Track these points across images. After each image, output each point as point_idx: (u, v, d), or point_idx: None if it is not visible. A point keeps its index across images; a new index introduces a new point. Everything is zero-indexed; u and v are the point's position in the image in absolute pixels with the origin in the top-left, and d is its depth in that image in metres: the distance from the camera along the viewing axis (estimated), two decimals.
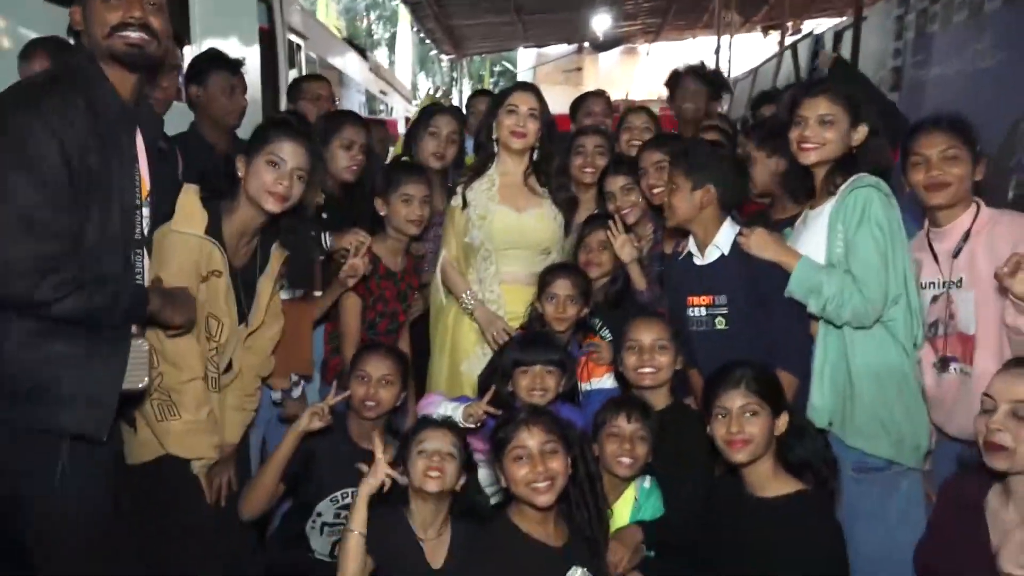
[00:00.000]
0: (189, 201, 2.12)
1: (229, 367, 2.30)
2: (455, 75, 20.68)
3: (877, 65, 8.99)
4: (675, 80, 3.87)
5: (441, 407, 2.44)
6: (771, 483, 2.06)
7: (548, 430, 2.03)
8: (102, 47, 1.80)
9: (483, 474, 2.32)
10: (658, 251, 2.85)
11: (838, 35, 10.14)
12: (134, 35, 1.79)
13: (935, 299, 2.24)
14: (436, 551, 2.10)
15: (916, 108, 7.97)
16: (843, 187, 2.23)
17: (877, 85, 8.92)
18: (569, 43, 20.96)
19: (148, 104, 2.13)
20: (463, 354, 2.90)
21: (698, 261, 2.53)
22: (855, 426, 2.26)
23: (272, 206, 2.17)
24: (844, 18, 10.28)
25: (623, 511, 2.31)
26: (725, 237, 2.46)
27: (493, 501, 2.29)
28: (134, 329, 1.88)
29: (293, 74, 7.84)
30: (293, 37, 7.91)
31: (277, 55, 7.47)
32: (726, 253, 2.45)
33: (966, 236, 2.18)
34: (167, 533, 2.18)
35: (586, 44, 20.57)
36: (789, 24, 17.12)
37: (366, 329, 2.82)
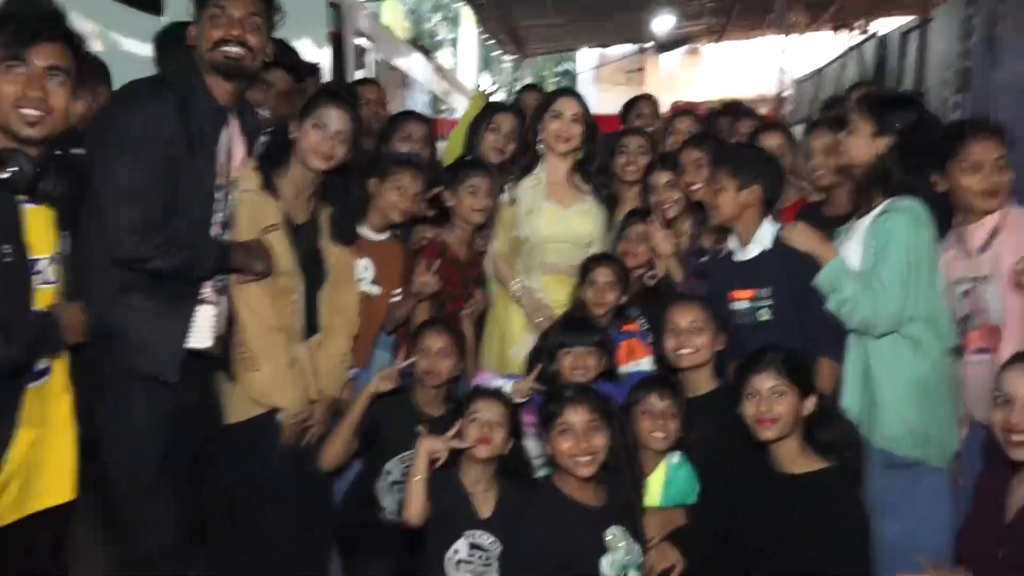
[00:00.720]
0: (243, 167, 2.37)
1: (316, 328, 2.54)
2: (517, 75, 20.92)
3: (943, 67, 8.88)
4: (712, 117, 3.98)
5: (494, 382, 2.63)
6: (798, 460, 2.20)
7: (592, 408, 2.21)
8: (205, 59, 2.15)
9: (530, 444, 2.49)
10: (696, 246, 2.99)
11: (904, 36, 10.02)
12: (233, 50, 2.13)
13: (966, 293, 2.34)
14: (484, 504, 2.31)
15: (984, 110, 7.89)
16: (880, 207, 2.34)
17: (943, 87, 8.84)
18: (632, 44, 20.96)
19: (248, 105, 2.44)
20: (511, 340, 3.10)
21: (739, 257, 2.66)
22: (880, 430, 2.35)
23: (318, 164, 2.40)
24: (911, 18, 10.11)
25: (655, 484, 2.45)
26: (767, 233, 2.59)
27: (540, 472, 2.46)
28: (209, 295, 2.17)
29: (361, 75, 8.17)
30: (361, 40, 8.24)
31: (345, 58, 7.79)
32: (768, 247, 2.58)
33: (993, 232, 2.27)
34: (250, 490, 2.42)
35: (648, 44, 20.57)
36: (857, 24, 16.88)
37: (433, 310, 3.01)
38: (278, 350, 2.35)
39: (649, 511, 2.37)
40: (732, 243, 2.70)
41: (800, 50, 15.31)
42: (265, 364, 2.32)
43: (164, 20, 3.84)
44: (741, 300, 2.61)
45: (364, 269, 2.83)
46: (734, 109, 3.94)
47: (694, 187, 2.88)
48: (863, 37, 12.70)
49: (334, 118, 2.40)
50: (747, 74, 19.23)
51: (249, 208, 2.34)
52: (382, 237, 2.93)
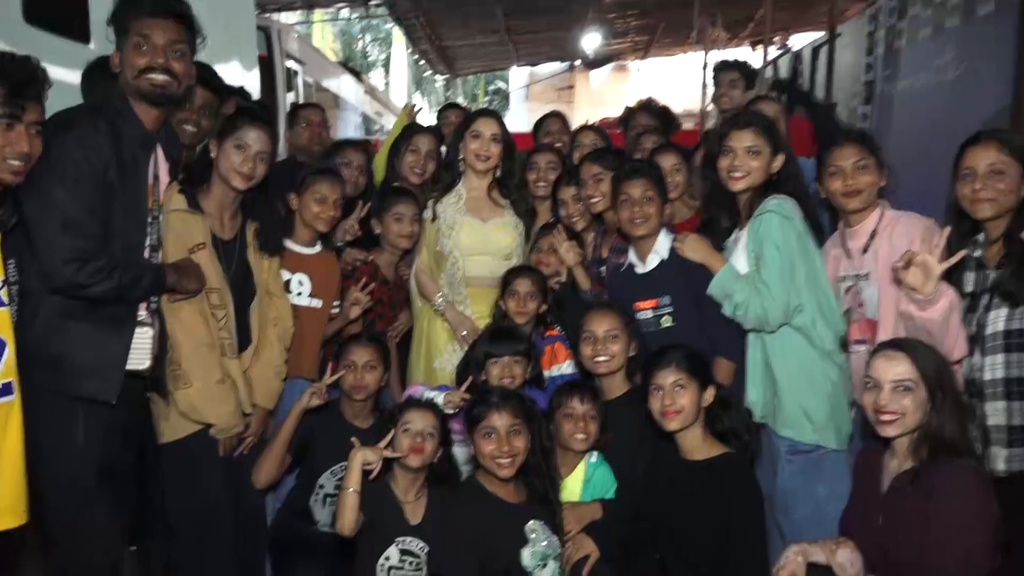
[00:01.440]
0: (170, 189, 2.42)
1: (249, 341, 2.61)
2: (449, 95, 21.11)
3: (851, 79, 9.36)
4: (628, 117, 4.19)
5: (425, 395, 2.73)
6: (700, 448, 2.40)
7: (515, 413, 2.36)
8: (131, 86, 2.22)
9: (459, 451, 2.62)
10: (597, 255, 3.17)
11: (815, 51, 10.52)
12: (158, 78, 2.20)
13: (848, 290, 2.55)
14: (415, 511, 2.43)
15: (887, 119, 8.36)
16: (756, 211, 2.53)
17: (852, 98, 9.32)
18: (560, 61, 21.35)
19: (171, 130, 2.51)
20: (436, 352, 3.23)
21: (640, 270, 2.85)
22: (783, 418, 2.54)
23: (239, 183, 2.47)
24: (822, 34, 10.62)
25: (575, 482, 2.61)
26: (663, 245, 2.79)
27: (466, 475, 2.59)
28: (144, 316, 2.24)
29: (291, 97, 8.20)
30: (291, 63, 8.27)
31: (275, 81, 7.82)
32: (665, 258, 2.78)
33: (872, 235, 2.48)
34: (187, 509, 2.48)
35: (577, 62, 20.98)
36: (776, 39, 17.55)
37: (365, 327, 3.14)
38: (209, 366, 2.41)
39: (568, 506, 2.52)
40: (632, 256, 2.89)
41: None
42: (196, 381, 2.38)
43: (92, 48, 3.87)
44: (644, 310, 2.80)
45: (299, 284, 2.92)
46: (648, 107, 4.16)
47: (593, 200, 3.06)
48: (779, 52, 13.23)
49: (254, 138, 2.48)
50: (673, 89, 19.78)
51: (177, 229, 2.40)
52: (313, 251, 3.01)
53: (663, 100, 4.29)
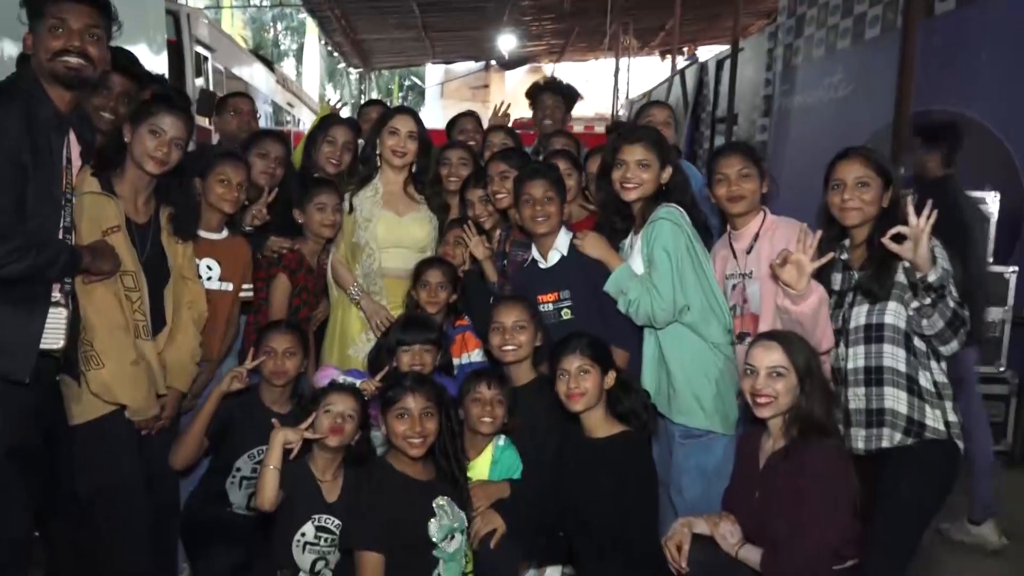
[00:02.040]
0: (83, 172, 2.43)
1: (163, 324, 2.63)
2: (363, 88, 20.93)
3: (752, 93, 9.84)
4: (535, 93, 4.34)
5: (338, 378, 2.82)
6: (601, 427, 2.60)
7: (427, 397, 2.48)
8: (45, 68, 2.22)
9: (376, 434, 2.72)
10: (501, 248, 3.32)
11: (719, 63, 10.99)
12: (73, 61, 2.21)
13: (734, 287, 2.78)
14: (331, 490, 2.53)
15: (784, 133, 8.86)
16: (649, 218, 2.73)
17: (752, 110, 9.79)
18: (476, 61, 21.51)
19: (84, 112, 2.50)
20: (350, 340, 3.33)
21: (542, 265, 3.03)
22: (676, 406, 2.73)
23: (152, 168, 2.51)
24: (727, 47, 11.10)
25: (483, 463, 2.77)
26: (563, 242, 2.99)
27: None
28: (58, 297, 2.25)
29: (200, 83, 8.06)
30: (200, 49, 8.13)
31: (184, 66, 7.68)
32: (565, 254, 2.97)
33: (755, 237, 2.72)
34: (99, 491, 2.48)
35: (493, 62, 21.18)
36: (686, 49, 18.20)
37: (290, 313, 3.19)
38: (122, 348, 2.43)
39: (477, 483, 2.67)
40: (534, 252, 3.07)
41: (633, 72, 16.34)
42: (109, 362, 2.39)
43: None
44: (546, 303, 2.97)
45: (208, 268, 2.95)
46: (555, 87, 4.31)
47: (499, 196, 3.23)
48: (687, 63, 13.73)
49: (169, 124, 2.51)
50: (586, 93, 20.20)
51: (91, 211, 2.41)
52: (221, 236, 3.04)
53: (575, 104, 4.45)
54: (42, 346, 2.22)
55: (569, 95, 4.32)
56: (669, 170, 2.78)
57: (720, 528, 2.42)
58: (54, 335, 2.25)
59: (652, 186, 2.76)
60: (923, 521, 2.40)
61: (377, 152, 3.40)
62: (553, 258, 3.00)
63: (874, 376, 2.41)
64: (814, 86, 8.17)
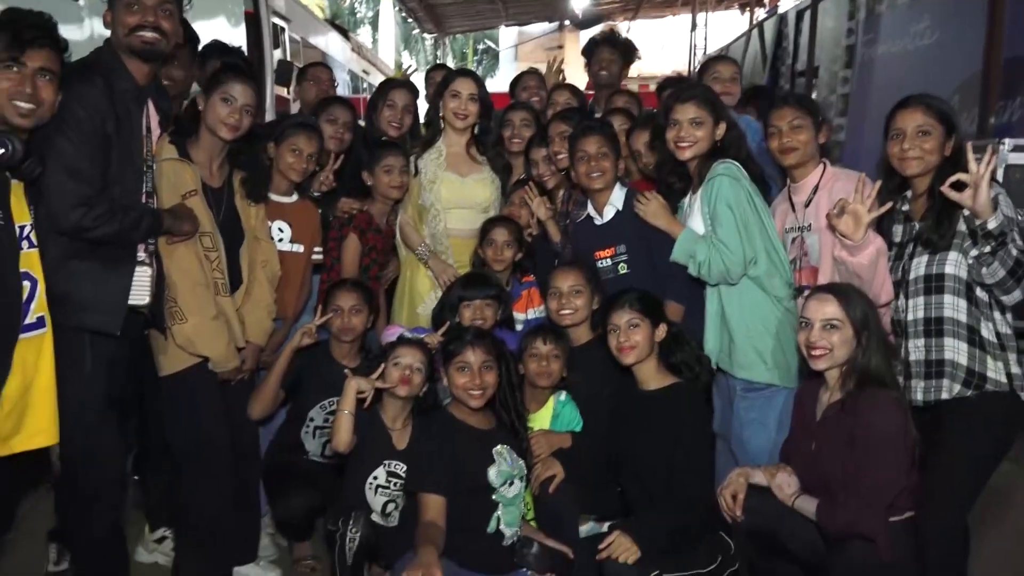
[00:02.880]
0: (161, 140, 2.59)
1: (240, 282, 2.80)
2: (438, 53, 21.03)
3: (833, 43, 9.47)
4: (591, 49, 4.34)
5: (407, 334, 2.94)
6: (654, 379, 2.66)
7: (487, 350, 2.57)
8: (122, 43, 2.38)
9: (442, 387, 2.83)
10: (564, 209, 3.37)
11: (799, 14, 10.59)
12: (148, 35, 2.36)
13: (793, 240, 2.77)
14: (400, 438, 2.67)
15: (867, 83, 8.53)
16: (707, 176, 2.72)
17: (833, 62, 9.44)
18: (550, 21, 21.29)
19: (160, 84, 2.66)
20: (419, 299, 3.45)
21: (598, 221, 3.08)
22: (737, 361, 2.75)
23: (226, 134, 2.64)
24: None
25: (545, 416, 2.87)
26: (618, 197, 3.02)
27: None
28: (143, 256, 2.43)
29: (277, 55, 8.27)
30: (276, 20, 8.33)
31: (262, 37, 7.89)
32: (620, 209, 3.01)
33: (815, 190, 2.70)
34: (185, 436, 2.68)
35: (567, 22, 20.92)
36: (767, 0, 17.57)
37: (360, 272, 3.33)
38: (204, 304, 2.59)
39: (540, 432, 2.78)
40: (590, 209, 3.11)
41: (711, 28, 15.91)
42: (191, 316, 2.56)
43: (81, 3, 4.00)
44: (604, 258, 3.02)
45: (280, 231, 3.09)
46: (613, 41, 4.32)
47: (560, 156, 3.26)
48: (767, 15, 13.27)
49: (239, 92, 2.64)
50: (662, 50, 19.80)
51: (169, 176, 2.57)
52: (291, 199, 3.17)
53: (652, 62, 4.42)
54: (130, 302, 2.40)
55: (626, 49, 4.30)
56: (723, 126, 2.77)
57: (777, 478, 2.45)
58: (140, 292, 2.42)
59: (706, 143, 2.75)
60: (981, 474, 2.36)
61: (440, 115, 3.48)
62: (608, 213, 3.04)
63: (934, 327, 2.37)
64: (899, 34, 7.81)
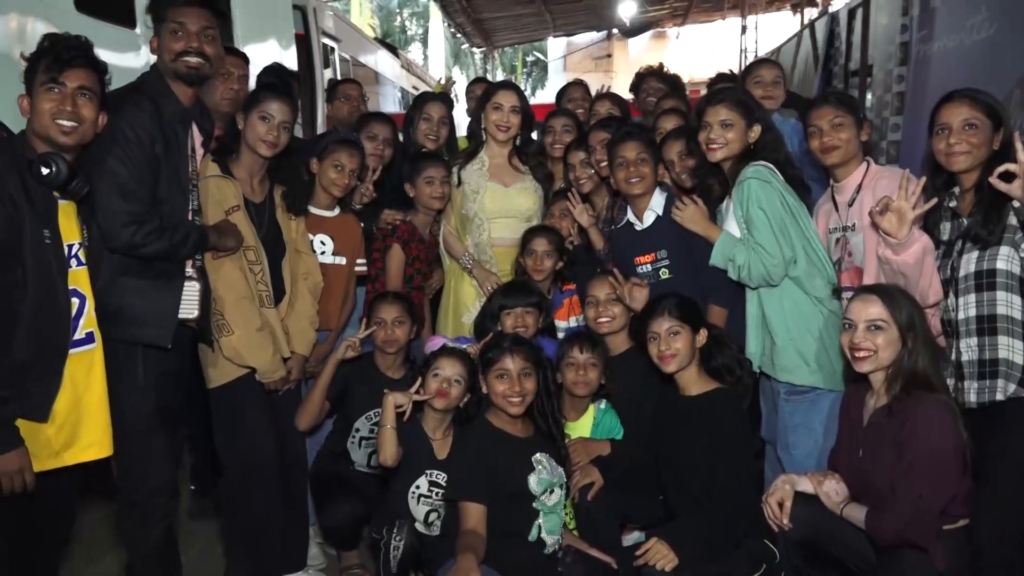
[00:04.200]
0: (205, 159, 2.68)
1: (283, 293, 2.86)
2: (487, 66, 21.20)
3: (886, 41, 9.23)
4: (637, 82, 4.37)
5: (449, 344, 2.95)
6: (695, 384, 2.62)
7: (526, 358, 2.58)
8: (169, 68, 2.48)
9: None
10: (609, 216, 3.34)
11: (851, 12, 10.37)
12: (192, 60, 2.46)
13: (837, 241, 2.71)
14: (441, 448, 2.69)
15: (923, 81, 8.26)
16: (738, 180, 2.70)
17: (887, 60, 9.22)
18: (597, 31, 21.27)
19: (204, 105, 2.75)
20: (464, 308, 3.47)
21: (638, 227, 3.06)
22: (780, 364, 2.71)
23: (265, 151, 2.72)
24: None
25: (585, 425, 2.86)
26: (657, 202, 3.01)
27: None
28: (191, 272, 2.51)
29: (328, 74, 8.46)
30: (327, 40, 8.52)
31: (313, 57, 8.08)
32: (660, 215, 2.99)
33: (858, 189, 2.63)
34: (234, 446, 2.76)
35: (615, 31, 20.88)
36: (819, 1, 17.25)
37: (405, 282, 3.38)
38: (249, 316, 2.66)
39: (579, 439, 2.77)
40: (630, 214, 3.10)
41: (762, 30, 15.69)
42: (237, 329, 2.64)
43: (138, 32, 4.16)
44: (644, 264, 3.01)
45: (322, 244, 3.15)
46: (660, 75, 4.32)
47: (602, 163, 3.24)
48: (816, 15, 13.03)
49: (276, 109, 2.72)
50: (712, 55, 19.61)
51: (214, 193, 2.66)
52: (333, 213, 3.22)
53: (703, 66, 4.41)
54: (180, 316, 2.48)
55: (673, 83, 4.32)
56: (757, 129, 2.73)
57: (824, 486, 2.39)
58: (189, 306, 2.51)
59: (738, 145, 2.73)
60: None
61: (482, 127, 3.51)
62: (648, 219, 3.03)
63: (987, 325, 2.29)
64: (955, 28, 7.55)
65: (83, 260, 2.24)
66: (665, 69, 4.45)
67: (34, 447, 2.13)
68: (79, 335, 2.21)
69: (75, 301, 2.20)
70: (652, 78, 4.27)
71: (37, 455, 2.14)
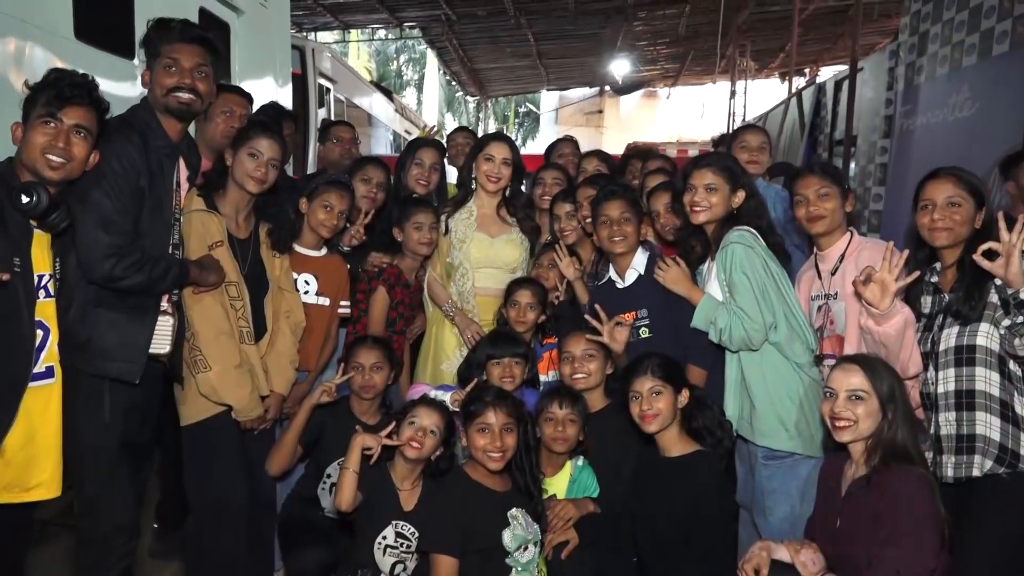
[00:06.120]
0: (190, 193, 2.67)
1: (265, 330, 2.84)
2: (480, 115, 21.47)
3: (871, 113, 9.47)
4: (624, 163, 4.41)
5: (430, 393, 2.94)
6: (676, 445, 2.60)
7: (508, 413, 2.55)
8: (159, 102, 2.48)
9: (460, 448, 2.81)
10: (593, 271, 3.37)
11: (838, 84, 10.64)
12: (184, 96, 2.47)
13: (819, 308, 2.73)
14: (409, 498, 2.63)
15: (905, 154, 8.48)
16: (722, 243, 2.72)
17: (872, 131, 9.44)
18: (590, 87, 21.65)
19: (191, 139, 2.75)
20: (444, 356, 3.46)
21: (620, 285, 3.07)
22: (759, 429, 2.71)
23: (252, 188, 2.71)
24: (847, 67, 10.75)
25: (562, 481, 2.82)
26: (640, 261, 3.03)
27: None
28: (166, 307, 2.49)
29: (322, 113, 8.53)
30: (323, 81, 8.61)
31: (308, 97, 8.15)
32: (642, 273, 3.01)
33: (841, 258, 2.66)
34: (204, 487, 2.69)
35: (607, 87, 21.27)
36: (808, 71, 17.71)
37: (387, 325, 3.36)
38: (228, 352, 2.63)
39: (565, 500, 2.72)
40: (611, 272, 3.11)
41: (749, 94, 16.03)
42: (215, 365, 2.60)
43: (136, 64, 4.18)
44: (624, 322, 2.98)
45: (306, 283, 3.14)
46: (643, 154, 4.37)
47: (588, 220, 3.27)
48: (804, 84, 13.35)
49: (265, 146, 2.72)
50: (701, 116, 19.98)
51: (197, 228, 2.64)
52: (320, 253, 3.22)
53: (691, 127, 4.48)
54: (151, 351, 2.45)
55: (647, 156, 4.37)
56: (741, 194, 2.77)
57: (802, 555, 2.36)
58: (161, 341, 2.48)
59: (721, 209, 2.76)
60: (1016, 557, 2.25)
61: (472, 176, 3.54)
62: (630, 277, 3.04)
63: (965, 400, 2.31)
64: (938, 105, 7.78)
65: (51, 292, 2.21)
66: (651, 148, 4.53)
67: None
68: (39, 368, 2.17)
69: (39, 333, 2.16)
70: (637, 160, 4.30)
71: None
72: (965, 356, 2.31)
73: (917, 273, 2.38)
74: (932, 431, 2.37)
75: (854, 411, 2.25)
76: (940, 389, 2.36)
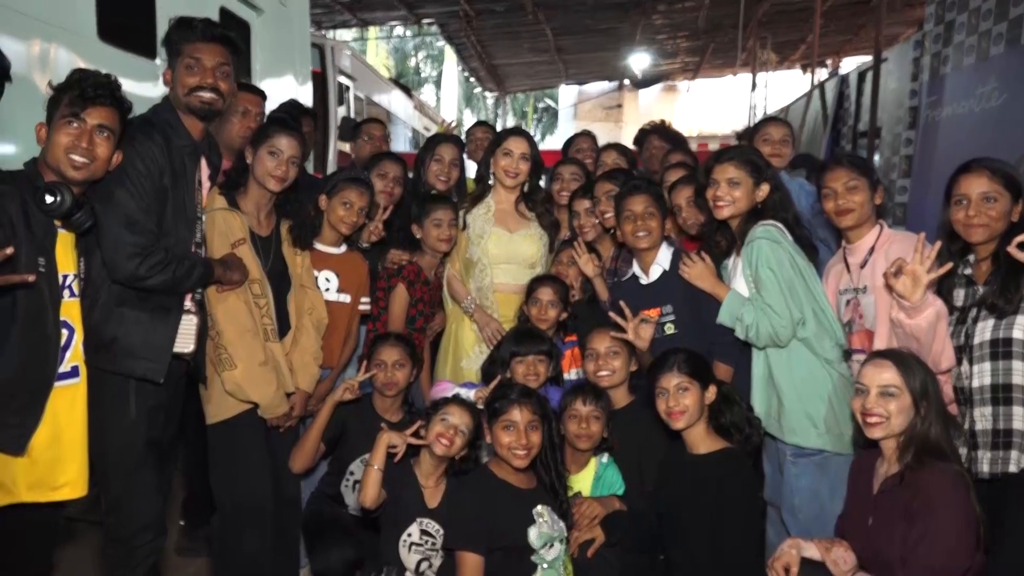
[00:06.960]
0: (212, 192, 2.68)
1: (289, 327, 2.84)
2: (499, 111, 21.45)
3: (896, 105, 9.34)
4: (640, 138, 4.40)
5: (452, 390, 2.90)
6: (703, 442, 2.57)
7: (533, 411, 2.54)
8: (181, 102, 2.48)
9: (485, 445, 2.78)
10: (613, 267, 3.34)
11: (861, 75, 10.50)
12: (206, 96, 2.46)
13: (848, 302, 2.68)
14: (432, 496, 2.62)
15: (931, 146, 8.36)
16: (747, 239, 2.69)
17: (896, 123, 9.31)
18: (609, 81, 21.55)
19: (212, 139, 2.75)
20: (463, 353, 3.45)
21: (644, 281, 3.04)
22: (787, 426, 2.67)
23: (273, 186, 2.72)
24: (870, 58, 10.60)
25: (586, 478, 2.79)
26: (664, 257, 2.99)
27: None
28: (189, 306, 2.49)
29: (342, 111, 8.55)
30: (343, 79, 8.63)
31: (328, 95, 8.17)
32: (667, 269, 2.97)
33: (871, 251, 2.62)
34: (229, 484, 2.71)
35: (626, 81, 21.16)
36: (829, 62, 17.50)
37: (407, 322, 3.35)
38: (253, 350, 2.63)
39: (592, 498, 2.70)
40: (635, 268, 3.08)
41: (770, 87, 15.88)
42: (240, 363, 2.60)
43: (158, 63, 4.20)
44: (649, 319, 2.95)
45: (327, 280, 3.13)
46: (663, 131, 4.33)
47: (607, 215, 3.24)
48: (827, 75, 13.20)
49: (285, 145, 2.72)
50: (721, 109, 19.83)
51: (220, 226, 2.65)
52: (340, 250, 3.21)
53: (712, 119, 4.43)
54: (175, 350, 2.45)
55: (675, 139, 4.32)
56: (765, 188, 2.73)
57: (832, 553, 2.32)
58: (186, 340, 2.48)
59: (745, 203, 2.73)
60: None
61: (491, 171, 3.52)
62: (655, 273, 3.01)
63: (1002, 395, 2.26)
64: (964, 96, 7.66)
65: (76, 292, 2.22)
66: (668, 124, 4.47)
67: (1, 479, 2.08)
68: (64, 367, 2.17)
69: (64, 332, 2.17)
70: (655, 136, 4.28)
71: (5, 488, 2.09)
72: (1001, 350, 2.26)
73: (950, 265, 2.33)
74: (967, 426, 2.32)
75: (886, 407, 2.21)
76: (975, 383, 2.30)
